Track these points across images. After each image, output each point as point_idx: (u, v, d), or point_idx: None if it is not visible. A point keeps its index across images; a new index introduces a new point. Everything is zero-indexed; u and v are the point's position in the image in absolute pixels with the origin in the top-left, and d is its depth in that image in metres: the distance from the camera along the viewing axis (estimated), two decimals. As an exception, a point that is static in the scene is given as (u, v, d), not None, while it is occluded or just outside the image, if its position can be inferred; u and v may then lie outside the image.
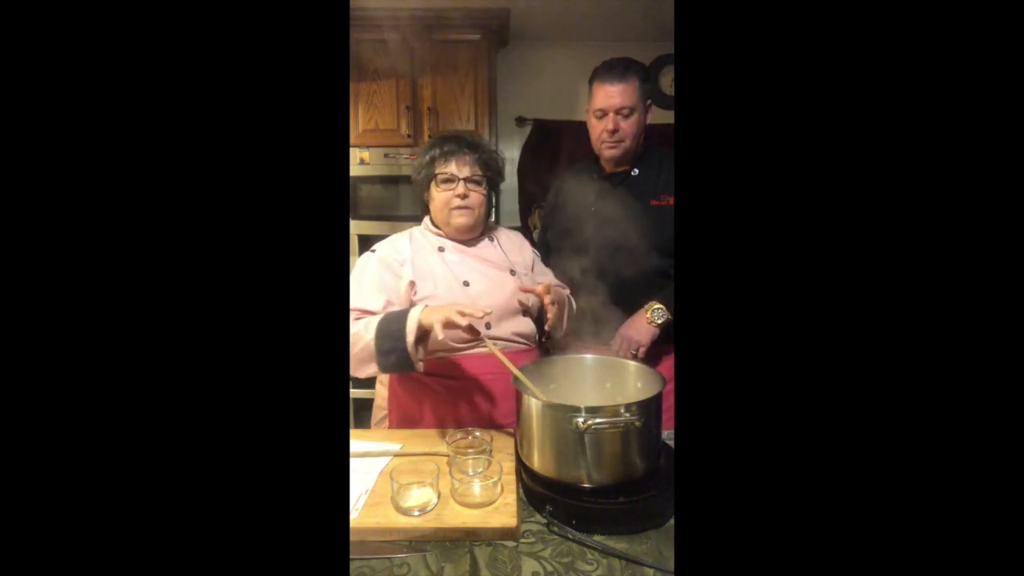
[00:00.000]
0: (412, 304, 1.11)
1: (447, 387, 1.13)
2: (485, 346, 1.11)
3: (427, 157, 1.18)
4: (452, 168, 1.15)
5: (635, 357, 1.21)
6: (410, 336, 0.97)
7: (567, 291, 1.34)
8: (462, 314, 0.91)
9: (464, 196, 1.14)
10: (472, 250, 1.20)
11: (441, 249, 1.18)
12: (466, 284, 1.14)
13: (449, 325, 0.92)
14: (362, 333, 1.01)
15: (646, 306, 1.27)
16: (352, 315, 1.08)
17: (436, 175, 1.16)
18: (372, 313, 1.08)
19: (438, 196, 1.16)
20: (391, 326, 1.00)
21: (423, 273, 1.13)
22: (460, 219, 1.16)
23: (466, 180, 1.15)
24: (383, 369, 1.01)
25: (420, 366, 1.00)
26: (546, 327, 1.18)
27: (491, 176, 1.19)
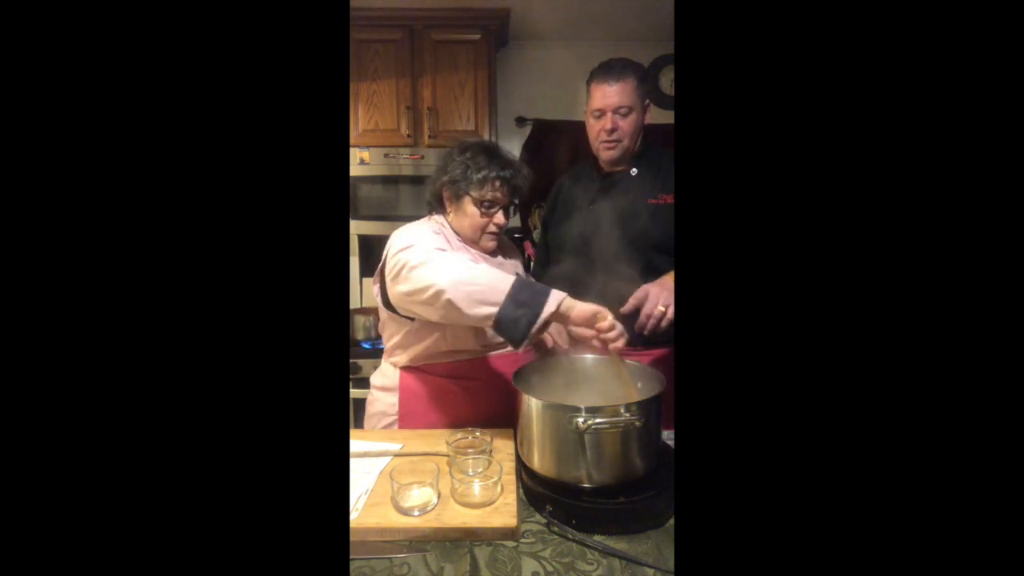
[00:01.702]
0: None
1: (466, 388, 1.13)
2: (503, 349, 1.12)
3: (477, 173, 1.11)
4: (499, 195, 1.13)
5: (659, 322, 1.09)
6: (551, 305, 0.89)
7: None
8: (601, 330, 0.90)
9: (500, 223, 1.14)
10: (486, 254, 1.20)
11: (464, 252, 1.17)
12: None
13: (624, 340, 0.90)
14: (494, 273, 0.94)
15: (668, 273, 1.17)
16: (446, 253, 1.01)
17: (478, 197, 1.12)
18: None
19: (473, 215, 1.13)
20: (535, 285, 0.93)
21: None
22: (491, 244, 1.17)
23: (504, 208, 1.15)
24: (502, 316, 0.90)
25: (523, 347, 0.92)
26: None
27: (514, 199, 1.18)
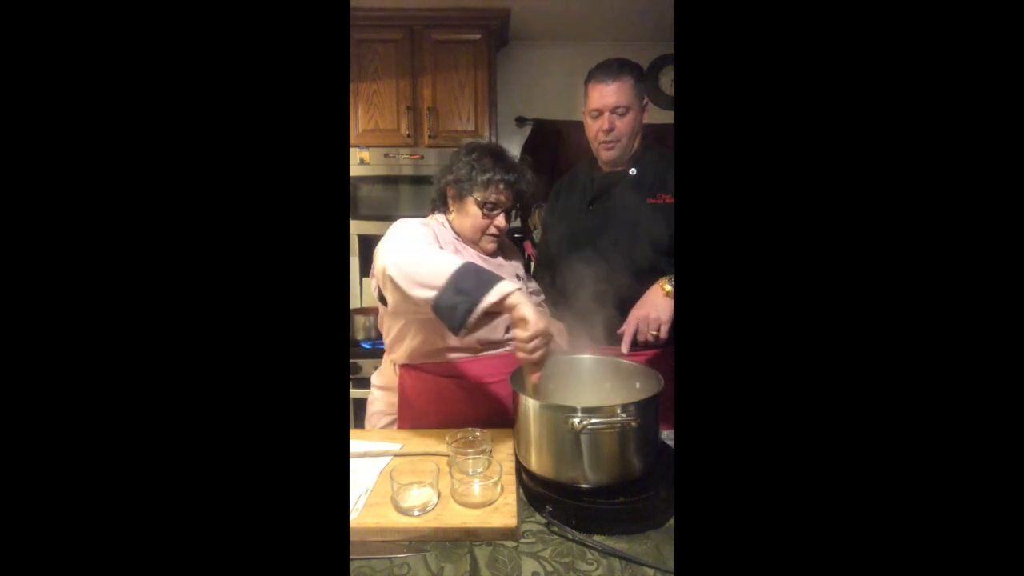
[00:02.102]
0: None
1: (465, 388, 1.13)
2: (503, 348, 1.12)
3: (482, 174, 1.11)
4: (502, 198, 1.13)
5: (656, 339, 1.12)
6: (493, 296, 0.84)
7: (541, 297, 1.36)
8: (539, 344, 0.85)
9: (501, 226, 1.15)
10: (487, 255, 1.20)
11: (458, 250, 1.17)
12: None
13: (536, 358, 0.85)
14: (441, 256, 0.91)
15: (657, 282, 1.20)
16: (413, 235, 1.00)
17: (481, 199, 1.12)
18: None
19: (475, 216, 1.13)
20: (481, 273, 0.88)
21: None
22: (491, 245, 1.17)
23: (506, 211, 1.15)
24: (439, 301, 0.86)
25: (462, 335, 0.87)
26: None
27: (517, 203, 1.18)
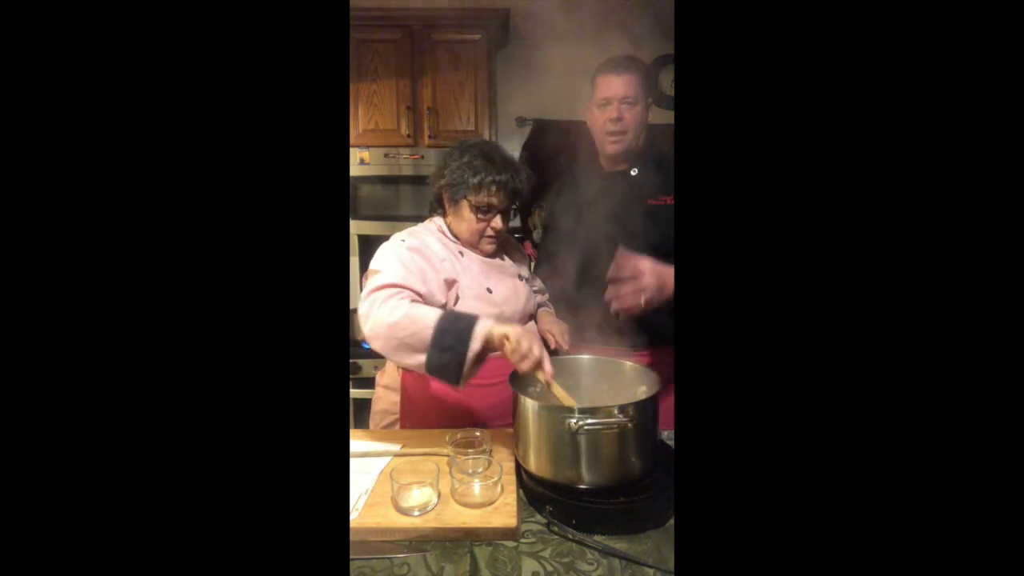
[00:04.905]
0: (446, 305, 1.08)
1: (466, 389, 1.13)
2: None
3: (474, 177, 1.09)
4: (496, 200, 1.11)
5: (646, 304, 1.04)
6: (475, 343, 0.88)
7: (545, 296, 1.38)
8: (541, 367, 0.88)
9: (497, 228, 1.14)
10: (486, 257, 1.20)
11: (461, 253, 1.16)
12: (489, 291, 1.13)
13: (531, 362, 0.87)
14: (417, 317, 0.92)
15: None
16: (391, 291, 0.99)
17: (474, 202, 1.11)
18: (418, 294, 1.01)
19: (470, 219, 1.12)
20: (458, 323, 0.90)
21: (456, 274, 1.12)
22: (489, 247, 1.17)
23: (503, 212, 1.14)
24: (430, 365, 0.91)
25: (464, 385, 0.91)
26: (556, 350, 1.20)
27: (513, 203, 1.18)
